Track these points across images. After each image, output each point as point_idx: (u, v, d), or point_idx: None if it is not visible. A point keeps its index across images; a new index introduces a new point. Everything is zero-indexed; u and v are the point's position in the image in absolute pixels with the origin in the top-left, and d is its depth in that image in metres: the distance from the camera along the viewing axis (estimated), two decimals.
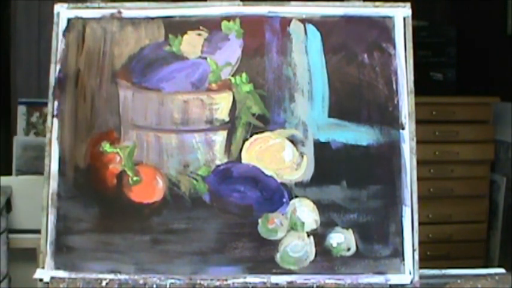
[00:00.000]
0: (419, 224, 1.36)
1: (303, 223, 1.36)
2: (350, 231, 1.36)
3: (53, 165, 1.38)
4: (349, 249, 1.35)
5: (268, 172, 1.37)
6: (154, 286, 1.33)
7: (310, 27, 1.41)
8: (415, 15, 1.42)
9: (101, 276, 1.34)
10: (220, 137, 1.38)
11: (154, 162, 1.38)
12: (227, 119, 1.38)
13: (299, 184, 1.37)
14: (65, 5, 1.43)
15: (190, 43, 1.41)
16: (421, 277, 1.35)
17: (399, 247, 1.35)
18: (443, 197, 2.83)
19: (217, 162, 1.38)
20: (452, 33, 3.10)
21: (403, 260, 1.35)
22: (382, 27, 1.41)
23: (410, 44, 1.40)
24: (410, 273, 1.34)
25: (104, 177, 1.38)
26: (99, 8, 1.43)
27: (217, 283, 1.33)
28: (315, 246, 1.35)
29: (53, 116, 1.40)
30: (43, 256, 1.36)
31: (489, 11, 3.02)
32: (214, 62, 1.40)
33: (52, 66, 1.41)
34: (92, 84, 1.41)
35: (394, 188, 1.37)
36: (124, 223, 1.37)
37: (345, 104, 1.39)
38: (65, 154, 1.39)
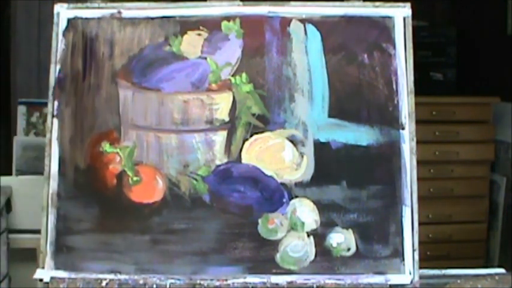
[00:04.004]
0: (419, 224, 1.36)
1: (303, 223, 1.36)
2: (350, 231, 1.36)
3: (53, 165, 1.38)
4: (349, 249, 1.35)
5: (268, 172, 1.37)
6: (154, 286, 1.33)
7: (310, 27, 1.41)
8: (415, 15, 1.42)
9: (101, 276, 1.34)
10: (220, 137, 1.38)
11: (154, 162, 1.38)
12: (227, 119, 1.38)
13: (299, 184, 1.37)
14: (65, 5, 1.43)
15: (190, 43, 1.41)
16: (421, 277, 1.35)
17: (399, 247, 1.35)
18: (443, 197, 2.83)
19: (217, 162, 1.38)
20: (452, 33, 3.10)
21: (403, 260, 1.35)
22: (382, 27, 1.41)
23: (410, 44, 1.40)
24: (410, 273, 1.34)
25: (104, 177, 1.38)
26: (99, 8, 1.43)
27: (217, 283, 1.33)
28: (315, 246, 1.35)
29: (53, 116, 1.40)
30: (43, 256, 1.36)
31: (489, 11, 3.02)
32: (214, 62, 1.40)
33: (52, 66, 1.41)
34: (92, 84, 1.41)
35: (394, 188, 1.37)
36: (124, 223, 1.37)
37: (345, 104, 1.39)
38: (65, 154, 1.39)
